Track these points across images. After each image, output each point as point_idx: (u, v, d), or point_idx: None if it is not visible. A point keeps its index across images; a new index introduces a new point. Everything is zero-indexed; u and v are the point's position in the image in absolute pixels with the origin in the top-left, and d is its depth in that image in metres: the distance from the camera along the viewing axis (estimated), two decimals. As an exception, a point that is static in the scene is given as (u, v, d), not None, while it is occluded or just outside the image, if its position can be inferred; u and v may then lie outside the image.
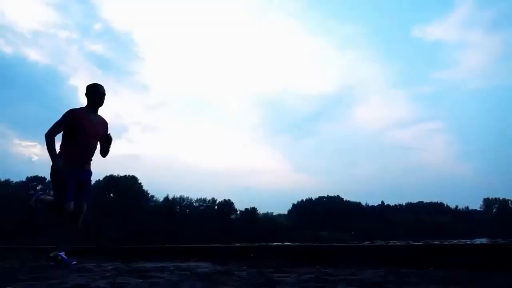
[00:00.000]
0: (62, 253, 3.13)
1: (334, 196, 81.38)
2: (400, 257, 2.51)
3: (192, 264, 2.98)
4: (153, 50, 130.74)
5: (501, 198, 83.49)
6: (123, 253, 3.79)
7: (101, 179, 60.90)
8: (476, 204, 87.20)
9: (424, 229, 63.57)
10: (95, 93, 3.35)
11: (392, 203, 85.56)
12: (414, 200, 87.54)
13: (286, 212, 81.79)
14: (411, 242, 2.67)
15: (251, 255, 3.00)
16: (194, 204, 75.25)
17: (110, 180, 60.63)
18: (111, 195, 61.17)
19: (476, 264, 2.21)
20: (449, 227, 68.01)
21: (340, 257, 2.71)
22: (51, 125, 3.18)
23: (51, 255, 3.16)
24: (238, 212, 75.79)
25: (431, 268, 2.29)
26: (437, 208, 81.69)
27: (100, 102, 3.37)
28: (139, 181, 63.70)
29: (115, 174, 62.29)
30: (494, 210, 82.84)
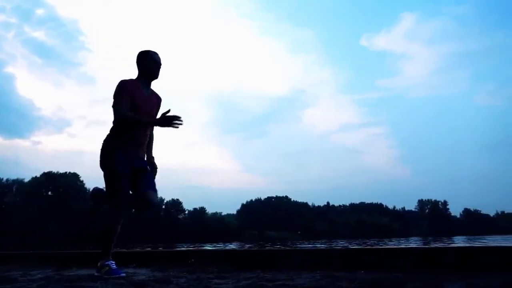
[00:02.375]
0: (110, 262, 2.57)
1: (282, 196, 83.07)
2: (336, 260, 2.61)
3: (130, 270, 2.87)
4: (102, 41, 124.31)
5: (433, 199, 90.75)
6: (56, 259, 3.56)
7: (39, 175, 56.71)
8: (411, 205, 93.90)
9: (365, 229, 67.14)
10: (150, 62, 2.73)
11: (336, 204, 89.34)
12: (357, 201, 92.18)
13: (235, 212, 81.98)
14: (348, 246, 2.80)
15: (192, 260, 2.96)
16: (141, 203, 72.66)
17: (49, 177, 56.58)
18: (49, 193, 57.08)
19: (405, 266, 2.35)
20: (386, 227, 72.40)
21: (281, 261, 2.76)
22: (113, 104, 2.60)
23: (98, 264, 2.59)
24: (186, 212, 74.61)
25: (362, 271, 2.41)
26: (377, 209, 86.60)
27: (156, 74, 2.74)
28: (81, 179, 60.14)
29: (54, 170, 58.26)
30: (427, 211, 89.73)
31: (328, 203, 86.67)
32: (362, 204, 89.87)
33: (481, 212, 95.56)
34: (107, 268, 2.51)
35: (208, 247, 17.19)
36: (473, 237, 36.72)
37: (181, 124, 2.50)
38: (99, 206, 2.83)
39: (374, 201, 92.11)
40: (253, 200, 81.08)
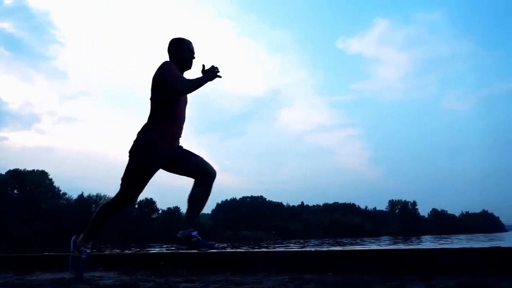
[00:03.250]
0: (195, 232, 2.32)
1: (258, 196, 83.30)
2: (305, 262, 2.64)
3: (97, 274, 2.80)
4: (75, 35, 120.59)
5: (403, 200, 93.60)
6: (17, 263, 3.41)
7: (4, 173, 54.29)
8: (383, 205, 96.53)
9: (338, 229, 68.39)
10: (186, 52, 2.47)
11: (310, 204, 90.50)
12: (330, 201, 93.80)
13: (210, 212, 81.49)
14: (320, 246, 2.83)
15: (161, 263, 2.92)
16: (112, 202, 71.03)
17: (15, 175, 54.23)
18: (15, 191, 54.74)
19: (373, 268, 2.41)
20: (358, 226, 74.07)
21: (251, 264, 2.77)
22: (171, 80, 2.31)
23: (178, 236, 2.32)
24: (160, 212, 73.48)
25: (330, 273, 2.45)
26: (350, 209, 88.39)
27: (191, 65, 2.50)
28: (50, 177, 58.03)
29: (21, 168, 55.92)
30: (397, 211, 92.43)
31: (302, 203, 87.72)
32: (335, 204, 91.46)
33: (448, 212, 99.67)
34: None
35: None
36: (439, 236, 38.16)
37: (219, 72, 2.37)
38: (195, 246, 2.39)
39: (347, 201, 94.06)
40: (228, 200, 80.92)
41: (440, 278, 2.04)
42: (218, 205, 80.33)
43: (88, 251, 2.55)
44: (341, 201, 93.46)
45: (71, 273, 2.55)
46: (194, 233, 2.29)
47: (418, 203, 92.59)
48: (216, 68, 2.31)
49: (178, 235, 2.28)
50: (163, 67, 2.35)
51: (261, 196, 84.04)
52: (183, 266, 2.82)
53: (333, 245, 14.78)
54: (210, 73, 2.30)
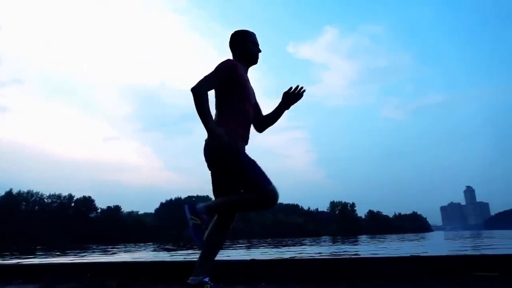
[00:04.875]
0: (207, 279, 2.04)
1: (204, 196, 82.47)
2: (239, 273, 2.62)
3: (13, 288, 2.57)
4: (12, 18, 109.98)
5: (343, 201, 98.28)
6: None
7: None
8: (324, 206, 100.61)
9: (281, 229, 69.92)
10: (252, 45, 2.26)
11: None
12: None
13: (153, 211, 79.00)
14: (253, 258, 2.82)
15: (88, 275, 2.75)
16: (46, 200, 66.27)
17: None
18: None
19: (305, 277, 2.43)
20: (301, 226, 76.40)
21: (182, 273, 2.68)
22: (206, 75, 2.06)
23: (189, 282, 2.03)
24: (99, 210, 69.88)
25: (263, 283, 2.47)
26: (293, 209, 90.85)
27: (257, 59, 2.28)
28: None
29: None
30: (337, 212, 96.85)
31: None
32: (279, 204, 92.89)
33: (382, 213, 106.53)
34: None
35: (122, 248, 16.18)
36: (374, 236, 40.69)
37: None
38: (202, 219, 2.04)
39: (291, 202, 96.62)
40: (173, 199, 79.15)
41: (368, 285, 2.14)
42: (162, 204, 78.24)
43: (207, 221, 2.08)
44: (285, 201, 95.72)
45: (195, 242, 2.03)
46: (206, 280, 2.01)
47: (356, 205, 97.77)
48: (224, 138, 2.00)
49: (189, 281, 2.01)
50: (223, 63, 2.10)
51: (207, 196, 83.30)
52: (111, 277, 2.68)
53: (275, 245, 15.03)
54: (220, 134, 1.98)
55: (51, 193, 65.57)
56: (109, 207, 69.95)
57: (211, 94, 2.08)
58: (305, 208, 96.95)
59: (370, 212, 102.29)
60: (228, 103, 2.10)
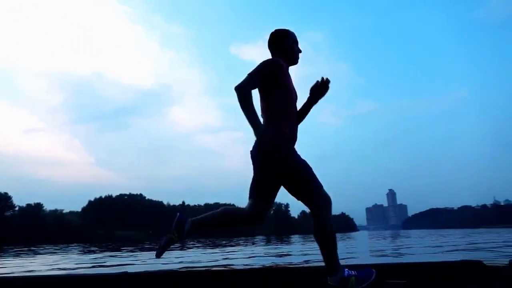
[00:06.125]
0: (347, 271, 1.88)
1: (137, 194, 79.32)
2: (157, 286, 2.51)
3: None
4: None
5: (277, 202, 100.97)
6: None
7: None
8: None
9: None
10: (294, 44, 2.15)
11: (192, 203, 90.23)
12: (211, 201, 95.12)
13: (80, 210, 73.86)
14: (126, 271, 2.60)
15: None
16: (-49, 196, 58.80)
17: None
18: None
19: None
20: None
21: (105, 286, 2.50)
22: (247, 75, 1.94)
23: (332, 283, 1.86)
24: (17, 208, 63.65)
25: None
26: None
27: (298, 59, 2.17)
28: None
29: None
30: (272, 212, 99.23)
31: (183, 202, 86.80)
32: (216, 204, 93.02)
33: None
34: (353, 277, 1.87)
35: (42, 249, 14.80)
36: (307, 235, 42.58)
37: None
38: (182, 239, 2.03)
39: (228, 201, 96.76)
40: (103, 197, 74.80)
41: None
42: (90, 202, 73.48)
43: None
44: (222, 201, 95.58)
45: (157, 252, 2.01)
46: (347, 273, 1.88)
47: (290, 205, 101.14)
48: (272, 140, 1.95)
49: (331, 282, 1.89)
50: (264, 61, 2.02)
51: (141, 194, 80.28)
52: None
53: (209, 245, 15.02)
54: (266, 136, 1.94)
55: (-42, 189, 58.27)
56: (28, 205, 64.04)
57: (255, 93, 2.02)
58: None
59: (303, 213, 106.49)
60: (274, 102, 2.00)
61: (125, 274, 2.48)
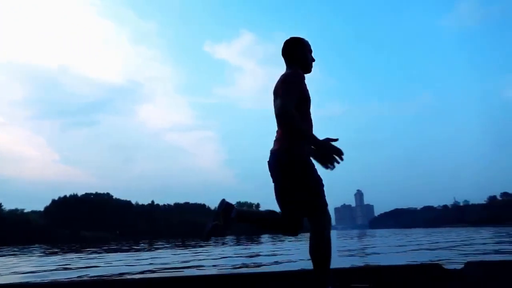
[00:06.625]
0: None
1: (104, 193, 76.97)
2: None
3: None
4: None
5: (249, 202, 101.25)
6: None
7: None
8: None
9: (186, 229, 69.00)
10: (309, 53, 2.13)
11: (161, 203, 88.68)
12: (182, 200, 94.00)
13: (42, 209, 70.73)
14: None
15: None
16: None
17: None
18: None
19: None
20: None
21: None
22: (283, 95, 1.87)
23: None
24: (-28, 208, 60.11)
25: None
26: (200, 209, 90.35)
27: (311, 68, 2.15)
28: None
29: None
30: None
31: (152, 202, 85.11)
32: (186, 204, 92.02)
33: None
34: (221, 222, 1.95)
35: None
36: (276, 235, 43.08)
37: (338, 163, 1.90)
38: (228, 226, 2.01)
39: (198, 201, 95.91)
40: (68, 196, 72.05)
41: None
42: (54, 202, 70.55)
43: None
44: (192, 201, 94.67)
45: (203, 237, 1.99)
46: None
47: (261, 205, 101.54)
48: (340, 155, 1.87)
49: None
50: (288, 76, 2.00)
51: (108, 193, 77.95)
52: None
53: (178, 246, 14.84)
54: (328, 149, 1.86)
55: None
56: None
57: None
58: (212, 208, 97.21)
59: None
60: (297, 112, 1.91)
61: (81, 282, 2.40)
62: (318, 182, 1.94)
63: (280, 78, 2.02)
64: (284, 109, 1.84)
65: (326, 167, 1.90)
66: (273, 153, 1.99)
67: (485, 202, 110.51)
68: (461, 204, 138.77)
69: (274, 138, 2.04)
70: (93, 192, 76.33)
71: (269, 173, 2.04)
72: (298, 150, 1.92)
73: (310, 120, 2.04)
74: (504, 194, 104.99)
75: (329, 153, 1.85)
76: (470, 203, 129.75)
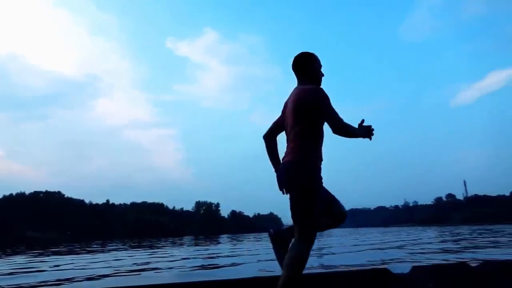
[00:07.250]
0: None
1: (54, 192, 72.94)
2: None
3: None
4: None
5: (208, 201, 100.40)
6: None
7: None
8: (189, 206, 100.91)
9: (143, 228, 67.11)
10: (320, 68, 2.26)
11: (117, 202, 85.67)
12: (139, 199, 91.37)
13: (-16, 208, 65.54)
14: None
15: None
16: None
17: None
18: None
19: None
20: (164, 226, 74.84)
21: None
22: (331, 114, 2.05)
23: None
24: None
25: None
26: (158, 208, 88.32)
27: (321, 82, 2.28)
28: None
29: None
30: (202, 211, 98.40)
31: (108, 201, 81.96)
32: (144, 203, 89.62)
33: (244, 213, 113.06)
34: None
35: None
36: (235, 235, 43.03)
37: (373, 135, 2.20)
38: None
39: (156, 200, 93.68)
40: (14, 194, 67.52)
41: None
42: (-2, 200, 65.72)
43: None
44: (149, 200, 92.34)
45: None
46: None
47: (221, 205, 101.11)
48: (372, 129, 2.18)
49: None
50: (323, 95, 2.08)
51: (59, 192, 73.99)
52: None
53: (133, 247, 14.40)
54: (366, 131, 2.16)
55: None
56: None
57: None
58: (170, 207, 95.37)
59: (233, 212, 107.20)
60: (317, 132, 2.14)
61: None
62: (318, 203, 2.06)
63: (314, 92, 2.10)
64: (337, 126, 2.05)
65: (370, 138, 2.18)
66: (284, 164, 2.14)
67: (432, 203, 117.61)
68: (411, 204, 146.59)
69: (286, 151, 2.17)
70: (43, 190, 72.20)
71: (267, 179, 2.28)
72: (309, 164, 2.07)
73: (322, 142, 2.20)
74: (449, 195, 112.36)
75: (368, 131, 2.15)
76: (419, 203, 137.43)
